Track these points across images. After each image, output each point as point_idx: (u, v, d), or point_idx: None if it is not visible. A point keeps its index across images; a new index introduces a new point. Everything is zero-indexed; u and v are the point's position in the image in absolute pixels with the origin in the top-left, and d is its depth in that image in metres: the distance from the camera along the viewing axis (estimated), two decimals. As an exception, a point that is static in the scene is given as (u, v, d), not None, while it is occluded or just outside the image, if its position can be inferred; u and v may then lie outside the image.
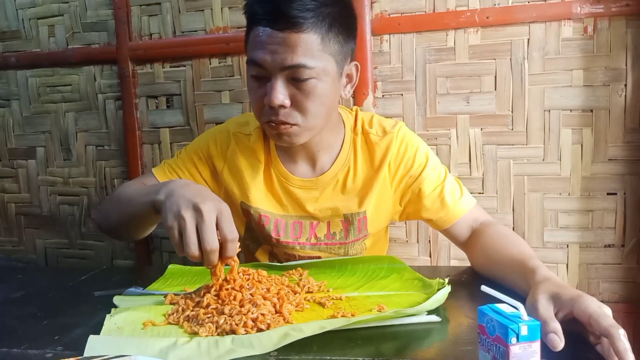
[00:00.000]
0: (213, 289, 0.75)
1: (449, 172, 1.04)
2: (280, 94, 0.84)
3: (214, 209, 0.71)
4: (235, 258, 0.75)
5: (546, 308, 0.62)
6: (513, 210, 1.33)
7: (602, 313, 0.58)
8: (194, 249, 0.70)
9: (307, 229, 1.02)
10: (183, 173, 1.04)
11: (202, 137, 1.09)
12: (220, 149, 1.05)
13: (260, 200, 1.02)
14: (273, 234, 1.02)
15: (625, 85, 1.24)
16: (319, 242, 1.02)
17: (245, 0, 0.89)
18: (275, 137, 0.92)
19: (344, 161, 1.01)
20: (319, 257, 1.03)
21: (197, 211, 0.70)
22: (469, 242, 0.99)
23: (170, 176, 1.03)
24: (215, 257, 0.71)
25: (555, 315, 0.62)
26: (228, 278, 0.77)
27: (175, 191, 0.75)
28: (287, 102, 0.85)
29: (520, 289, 0.75)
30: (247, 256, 1.14)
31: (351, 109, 1.07)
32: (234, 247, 0.72)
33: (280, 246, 1.03)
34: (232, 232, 0.71)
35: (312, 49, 0.83)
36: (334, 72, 0.88)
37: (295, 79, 0.84)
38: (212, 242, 0.69)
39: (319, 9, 0.83)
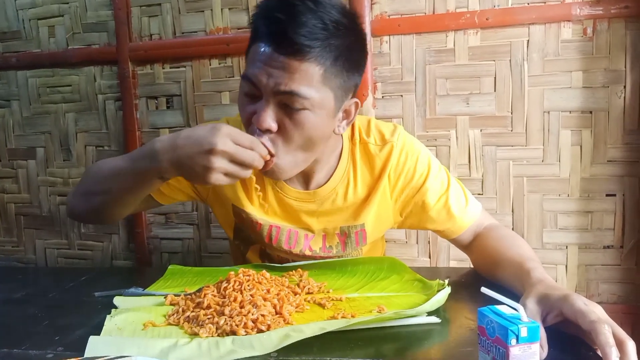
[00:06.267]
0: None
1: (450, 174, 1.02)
2: (269, 117, 0.80)
3: (220, 138, 0.74)
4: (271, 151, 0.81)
5: (533, 313, 0.62)
6: (512, 211, 1.33)
7: (587, 310, 0.58)
8: (250, 169, 0.78)
9: (302, 241, 0.98)
10: None
11: None
12: None
13: (253, 208, 0.98)
14: (266, 240, 0.98)
15: (625, 86, 1.24)
16: (315, 254, 0.99)
17: (254, 11, 0.84)
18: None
19: (342, 174, 0.96)
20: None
21: (215, 153, 0.74)
22: (471, 246, 0.99)
23: None
24: (259, 160, 0.78)
25: (547, 316, 0.63)
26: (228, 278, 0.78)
27: (178, 155, 0.76)
28: (274, 127, 0.80)
29: (519, 291, 0.74)
30: (237, 257, 1.11)
31: None
32: (261, 148, 0.78)
33: (274, 249, 1.00)
34: (251, 141, 0.77)
35: (312, 79, 0.79)
36: (331, 106, 0.83)
37: (288, 105, 0.80)
38: (252, 158, 0.76)
39: (328, 39, 0.78)
